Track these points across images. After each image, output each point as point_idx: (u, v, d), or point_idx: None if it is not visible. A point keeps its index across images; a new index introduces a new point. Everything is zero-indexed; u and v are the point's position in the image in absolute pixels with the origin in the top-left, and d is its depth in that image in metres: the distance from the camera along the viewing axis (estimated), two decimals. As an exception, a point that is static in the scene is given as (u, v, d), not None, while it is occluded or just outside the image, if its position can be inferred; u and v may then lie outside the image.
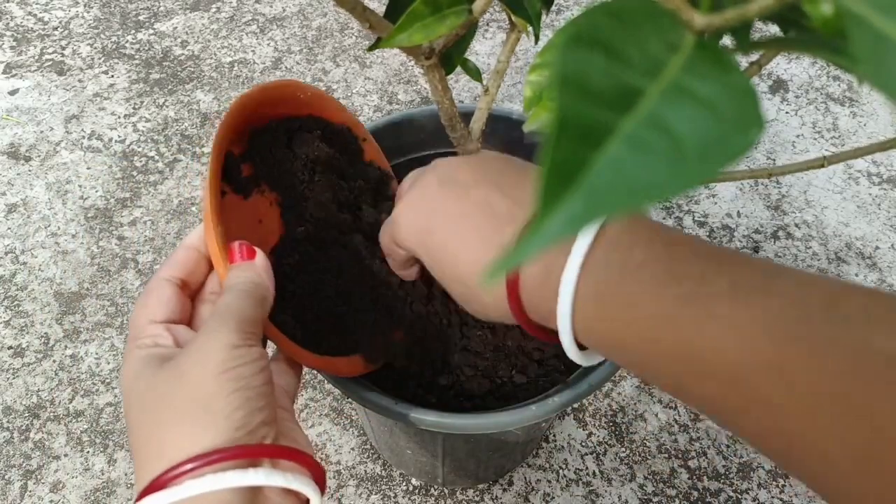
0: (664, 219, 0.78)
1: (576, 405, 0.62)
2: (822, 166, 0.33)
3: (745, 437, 0.23)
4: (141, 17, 1.01)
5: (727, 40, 0.21)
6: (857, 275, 0.73)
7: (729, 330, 0.22)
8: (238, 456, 0.25)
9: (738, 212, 0.79)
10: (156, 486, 0.24)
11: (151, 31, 0.99)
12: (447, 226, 0.30)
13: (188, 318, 0.32)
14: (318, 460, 0.29)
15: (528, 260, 0.12)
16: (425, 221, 0.31)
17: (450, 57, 0.31)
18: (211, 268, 0.33)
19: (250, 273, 0.30)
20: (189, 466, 0.24)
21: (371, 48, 0.24)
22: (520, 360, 0.42)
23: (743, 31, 0.17)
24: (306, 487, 0.27)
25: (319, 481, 0.28)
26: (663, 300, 0.23)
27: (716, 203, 0.80)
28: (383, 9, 0.28)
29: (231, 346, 0.26)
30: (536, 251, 0.11)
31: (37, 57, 0.95)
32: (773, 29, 0.20)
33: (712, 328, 0.22)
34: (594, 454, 0.62)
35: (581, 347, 0.28)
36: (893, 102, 0.11)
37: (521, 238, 0.12)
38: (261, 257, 0.31)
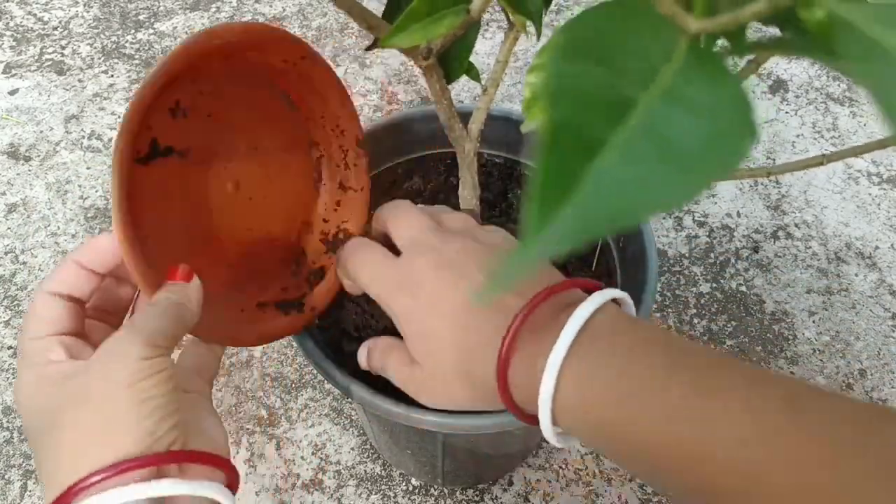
0: (663, 218, 0.78)
1: (575, 405, 0.62)
2: (822, 164, 0.33)
3: None
4: (141, 17, 1.01)
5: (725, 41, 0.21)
6: (856, 275, 0.73)
7: (756, 431, 0.22)
8: (144, 465, 0.25)
9: (738, 211, 0.79)
10: (62, 500, 0.24)
11: (151, 31, 0.99)
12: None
13: (81, 329, 0.31)
14: (229, 460, 0.29)
15: (524, 273, 0.11)
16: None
17: (451, 61, 0.31)
18: (98, 279, 0.32)
19: (180, 295, 0.30)
20: (95, 479, 0.24)
21: (369, 48, 0.24)
22: None
23: (738, 35, 0.17)
24: (215, 493, 0.27)
25: (232, 482, 0.28)
26: (667, 391, 0.24)
27: (715, 203, 0.80)
28: (382, 9, 0.28)
29: (140, 359, 0.26)
30: (531, 264, 0.11)
31: (36, 57, 0.95)
32: (774, 29, 0.20)
33: (727, 425, 0.22)
34: (594, 454, 0.62)
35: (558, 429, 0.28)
36: (881, 108, 0.11)
37: (515, 252, 0.11)
38: (195, 282, 0.31)
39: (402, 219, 0.34)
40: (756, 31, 0.17)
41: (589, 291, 0.29)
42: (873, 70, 0.11)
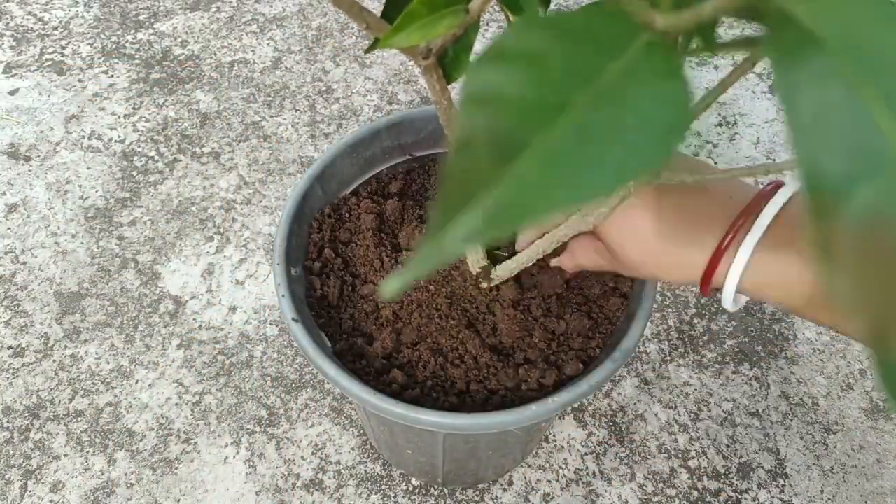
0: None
1: (576, 405, 0.62)
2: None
3: None
4: (141, 17, 1.01)
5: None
6: (857, 274, 0.73)
7: None
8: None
9: (739, 211, 0.79)
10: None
11: (151, 31, 0.99)
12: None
13: None
14: None
15: (424, 274, 0.12)
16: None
17: (450, 61, 0.31)
18: None
19: None
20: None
21: (369, 49, 0.24)
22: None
23: (708, 31, 0.17)
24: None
25: None
26: None
27: (716, 203, 0.80)
28: (381, 9, 0.28)
29: None
30: (433, 265, 0.12)
31: (37, 57, 0.95)
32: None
33: None
34: (594, 454, 0.62)
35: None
36: (786, 111, 0.11)
37: (419, 252, 0.12)
38: None
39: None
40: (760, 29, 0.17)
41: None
42: (796, 60, 0.12)
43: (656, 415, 0.64)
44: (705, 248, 0.33)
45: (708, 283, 0.34)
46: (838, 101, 0.12)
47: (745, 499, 0.60)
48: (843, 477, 0.62)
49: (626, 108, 0.13)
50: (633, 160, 0.12)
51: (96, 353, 0.67)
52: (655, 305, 0.71)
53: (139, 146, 0.85)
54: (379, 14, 0.23)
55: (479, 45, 0.96)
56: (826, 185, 0.11)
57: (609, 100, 0.13)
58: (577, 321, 0.43)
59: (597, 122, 0.13)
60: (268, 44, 0.97)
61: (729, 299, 0.33)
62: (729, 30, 0.97)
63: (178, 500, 0.59)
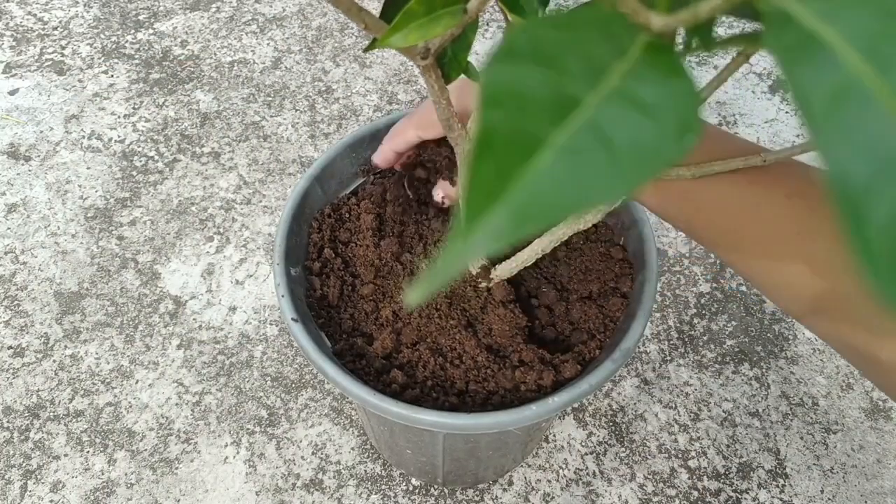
0: (664, 218, 0.78)
1: (576, 405, 0.62)
2: (765, 162, 0.33)
3: None
4: (141, 17, 1.01)
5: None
6: (857, 274, 0.73)
7: None
8: None
9: (739, 211, 0.79)
10: None
11: (151, 31, 0.99)
12: None
13: None
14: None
15: (449, 278, 0.12)
16: None
17: (449, 61, 0.31)
18: None
19: None
20: None
21: (367, 49, 0.24)
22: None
23: (704, 31, 0.17)
24: None
25: None
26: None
27: (716, 202, 0.80)
28: (380, 9, 0.28)
29: None
30: (458, 267, 0.11)
31: (36, 57, 0.95)
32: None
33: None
34: (594, 454, 0.62)
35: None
36: (800, 106, 0.11)
37: (444, 255, 0.12)
38: None
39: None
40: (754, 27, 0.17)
41: None
42: (801, 62, 0.11)
43: (656, 415, 0.64)
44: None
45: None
46: (849, 99, 0.11)
47: (745, 499, 0.60)
48: (843, 477, 0.61)
49: (637, 107, 0.13)
50: (648, 158, 0.12)
51: (96, 353, 0.67)
52: (655, 305, 0.71)
53: (139, 146, 0.85)
54: (378, 14, 0.23)
55: (478, 45, 0.95)
56: (851, 186, 0.11)
57: (619, 98, 0.13)
58: (577, 320, 0.43)
59: (609, 120, 0.13)
60: (268, 44, 0.97)
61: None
62: (728, 29, 0.97)
63: (178, 500, 0.59)
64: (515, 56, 0.13)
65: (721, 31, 0.94)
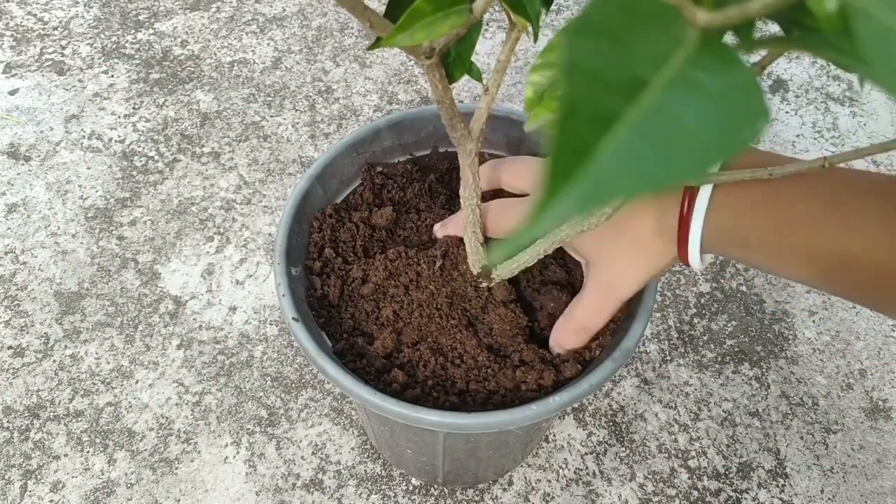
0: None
1: (576, 405, 0.62)
2: (824, 167, 0.33)
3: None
4: (141, 17, 1.01)
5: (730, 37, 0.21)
6: (857, 275, 0.73)
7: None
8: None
9: (738, 212, 0.79)
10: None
11: (151, 31, 0.99)
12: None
13: None
14: None
15: (538, 236, 0.12)
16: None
17: (453, 61, 0.31)
18: None
19: None
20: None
21: (371, 47, 0.24)
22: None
23: (746, 29, 0.17)
24: None
25: None
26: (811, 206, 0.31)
27: (716, 203, 0.80)
28: (383, 8, 0.28)
29: None
30: (546, 229, 0.12)
31: (36, 57, 0.95)
32: (775, 28, 0.20)
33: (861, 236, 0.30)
34: (594, 454, 0.62)
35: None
36: None
37: (530, 217, 0.12)
38: None
39: (525, 167, 0.43)
40: (757, 32, 0.17)
41: None
42: (887, 58, 0.12)
43: (656, 415, 0.64)
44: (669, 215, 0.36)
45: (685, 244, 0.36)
46: None
47: (745, 499, 0.60)
48: (843, 477, 0.62)
49: (703, 93, 0.13)
50: (719, 139, 0.12)
51: (96, 353, 0.67)
52: (655, 305, 0.71)
53: (139, 146, 0.85)
54: (381, 13, 0.23)
55: (478, 46, 0.95)
56: None
57: (684, 83, 0.13)
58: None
59: (678, 103, 0.13)
60: (268, 44, 0.97)
61: (696, 258, 0.36)
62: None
63: (178, 500, 0.59)
64: (592, 30, 0.13)
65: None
